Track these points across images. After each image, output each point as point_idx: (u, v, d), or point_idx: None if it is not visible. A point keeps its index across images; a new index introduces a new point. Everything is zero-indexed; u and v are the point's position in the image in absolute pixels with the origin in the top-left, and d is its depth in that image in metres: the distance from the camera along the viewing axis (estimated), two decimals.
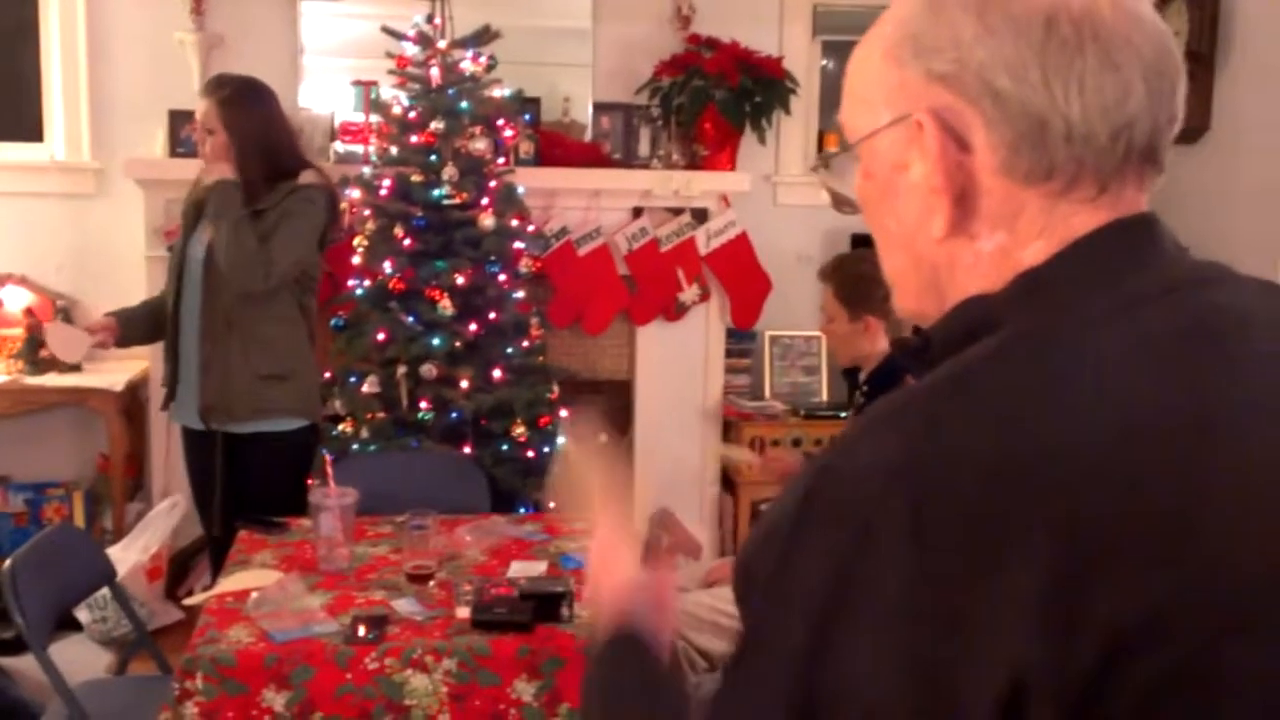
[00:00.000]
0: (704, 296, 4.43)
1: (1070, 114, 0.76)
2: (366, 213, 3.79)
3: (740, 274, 4.46)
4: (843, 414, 3.62)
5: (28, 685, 3.11)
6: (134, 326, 3.27)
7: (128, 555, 3.67)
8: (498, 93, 3.90)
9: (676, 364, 4.48)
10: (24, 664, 3.18)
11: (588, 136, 4.46)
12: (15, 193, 4.23)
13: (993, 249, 0.81)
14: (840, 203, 0.93)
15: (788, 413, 4.50)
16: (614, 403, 4.58)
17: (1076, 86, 0.76)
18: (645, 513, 4.45)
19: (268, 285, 3.06)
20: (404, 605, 2.37)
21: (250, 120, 3.11)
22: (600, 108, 4.47)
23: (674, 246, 4.39)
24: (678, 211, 4.40)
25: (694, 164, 4.40)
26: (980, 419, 0.71)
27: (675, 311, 4.43)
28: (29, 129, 4.26)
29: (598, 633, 1.10)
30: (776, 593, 0.74)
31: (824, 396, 4.62)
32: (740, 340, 4.60)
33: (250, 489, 3.16)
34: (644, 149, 4.46)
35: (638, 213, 4.38)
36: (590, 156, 4.36)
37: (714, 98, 4.24)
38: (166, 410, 3.33)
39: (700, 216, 4.41)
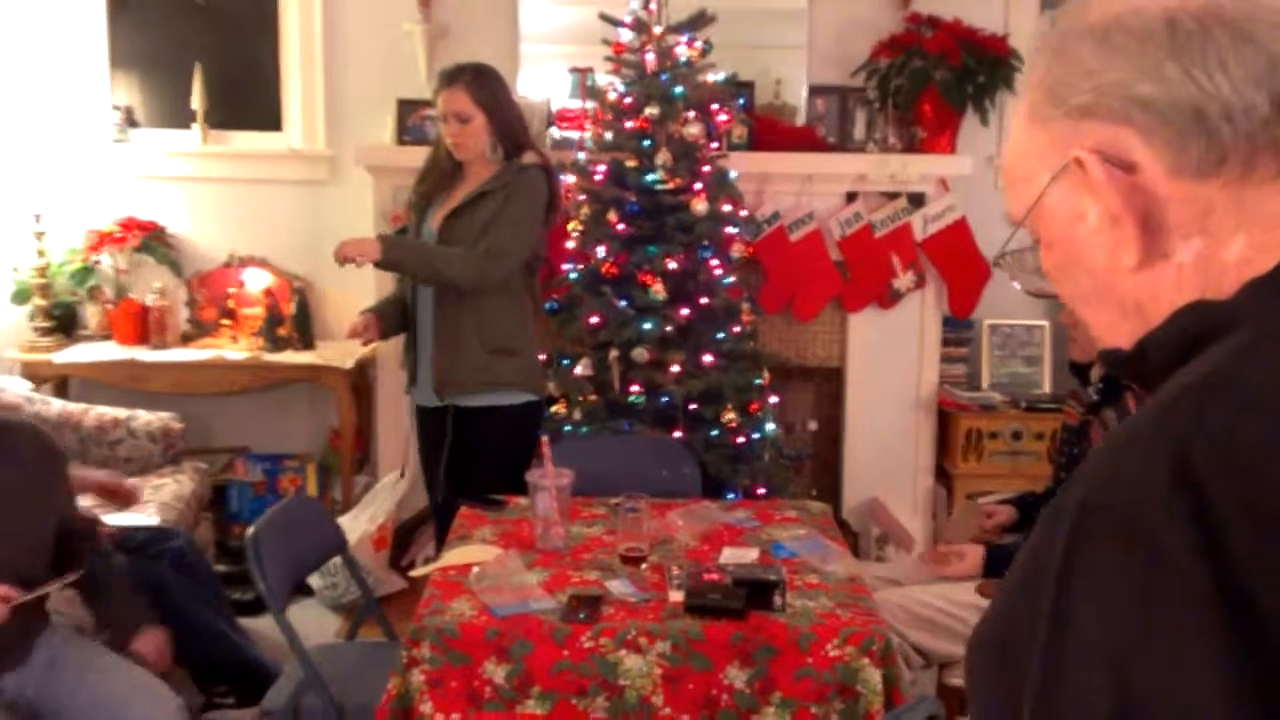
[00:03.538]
0: (919, 283, 4.32)
1: (1221, 93, 0.75)
2: (581, 198, 3.85)
3: (958, 260, 4.32)
4: (1063, 407, 3.45)
5: (265, 646, 3.31)
6: (390, 319, 3.42)
7: (356, 525, 3.85)
8: (712, 77, 3.90)
9: (890, 352, 4.38)
10: (262, 625, 3.39)
11: (801, 120, 4.40)
12: (256, 180, 4.48)
13: (1192, 258, 0.78)
14: (1037, 294, 0.94)
15: (1006, 404, 4.34)
16: (824, 390, 4.52)
17: (1218, 66, 0.75)
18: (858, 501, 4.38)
19: (501, 275, 3.21)
20: (617, 586, 2.40)
21: (499, 96, 3.28)
22: (815, 90, 4.41)
23: (889, 232, 4.29)
24: (893, 196, 4.29)
25: (911, 147, 4.29)
26: (1260, 409, 0.68)
27: (889, 298, 4.33)
28: (269, 119, 4.50)
29: None
30: (1057, 654, 0.68)
31: (1045, 388, 4.44)
32: (957, 328, 4.46)
33: (477, 462, 3.29)
34: (859, 132, 4.38)
35: (851, 197, 4.30)
36: (804, 140, 4.30)
37: (934, 78, 4.12)
38: (410, 393, 3.47)
39: (917, 201, 4.30)
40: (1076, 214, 0.81)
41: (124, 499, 3.14)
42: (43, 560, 2.53)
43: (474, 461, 3.32)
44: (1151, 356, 0.79)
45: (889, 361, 4.39)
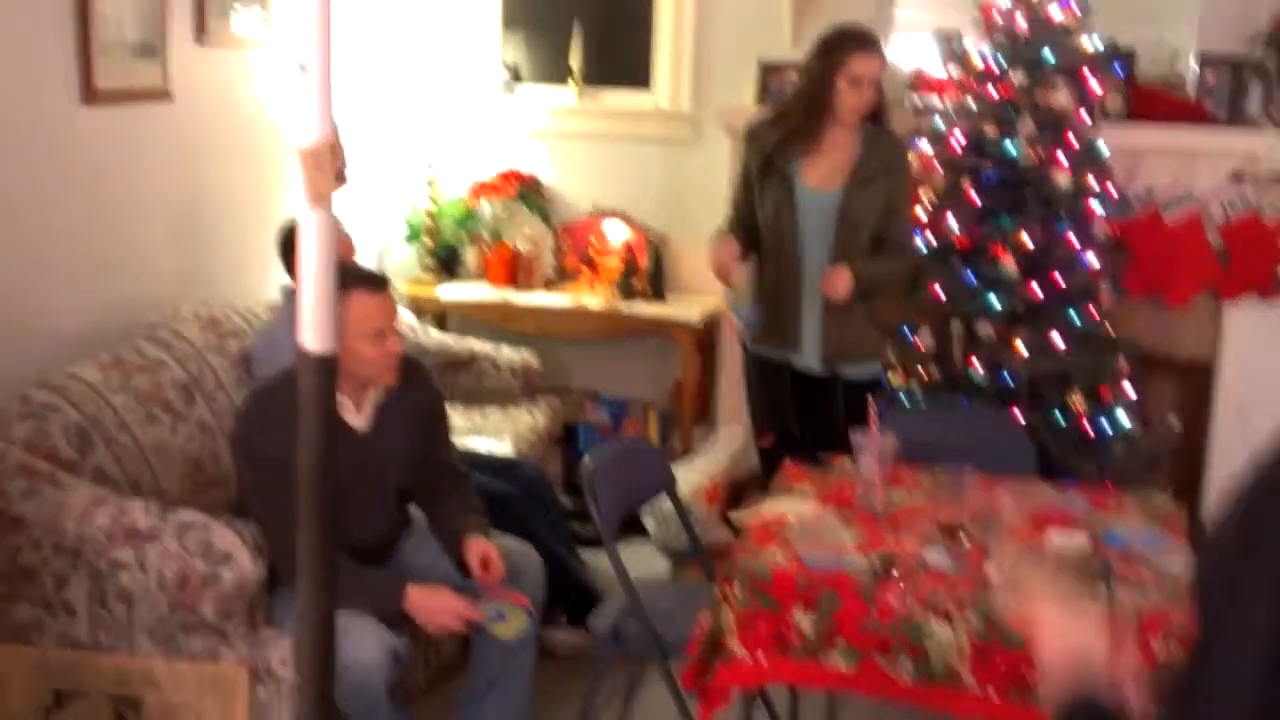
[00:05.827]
0: None
1: None
2: (937, 166, 3.77)
3: None
4: None
5: (594, 575, 3.52)
6: (742, 244, 3.43)
7: (690, 475, 3.99)
8: (1087, 43, 3.70)
9: (1273, 349, 4.01)
10: (596, 560, 3.60)
11: (1190, 93, 4.08)
12: (623, 136, 4.70)
13: None
14: None
15: None
16: (1191, 386, 4.19)
17: None
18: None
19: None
20: (932, 554, 2.38)
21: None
22: (1205, 61, 4.07)
23: None
24: None
25: None
26: None
27: (1276, 290, 3.96)
28: (639, 77, 4.69)
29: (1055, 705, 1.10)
30: (1230, 605, 0.74)
31: None
32: None
33: (820, 424, 3.38)
34: (1254, 108, 4.01)
35: (1239, 178, 3.96)
36: (1187, 114, 4.00)
37: None
38: (781, 350, 3.46)
39: None
40: None
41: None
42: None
43: (817, 423, 3.41)
44: None
45: (1272, 359, 4.02)
